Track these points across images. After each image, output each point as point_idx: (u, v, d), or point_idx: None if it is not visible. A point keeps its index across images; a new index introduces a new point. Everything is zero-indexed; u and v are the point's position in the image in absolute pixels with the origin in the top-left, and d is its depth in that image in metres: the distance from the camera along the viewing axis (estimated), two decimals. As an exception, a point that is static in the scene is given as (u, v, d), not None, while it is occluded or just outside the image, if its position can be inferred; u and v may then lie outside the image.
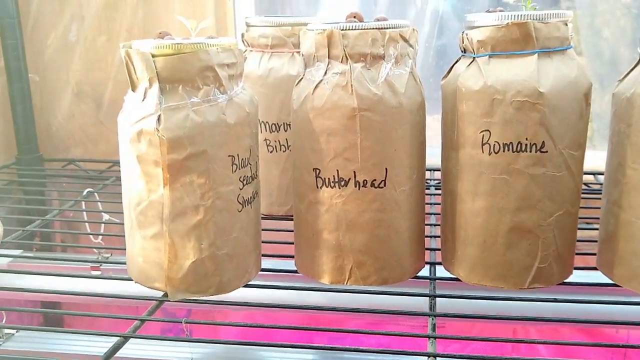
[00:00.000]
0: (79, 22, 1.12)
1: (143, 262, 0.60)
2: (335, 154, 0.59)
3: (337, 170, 0.60)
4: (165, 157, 0.56)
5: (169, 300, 0.60)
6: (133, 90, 0.58)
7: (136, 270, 0.61)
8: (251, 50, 0.80)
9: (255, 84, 0.78)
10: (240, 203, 0.60)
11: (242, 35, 0.81)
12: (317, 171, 0.61)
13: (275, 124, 0.79)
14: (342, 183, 0.60)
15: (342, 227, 0.61)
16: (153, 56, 0.56)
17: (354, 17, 0.64)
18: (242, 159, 0.60)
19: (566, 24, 0.58)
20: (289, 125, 0.78)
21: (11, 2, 1.06)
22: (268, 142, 0.80)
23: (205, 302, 0.61)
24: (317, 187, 0.61)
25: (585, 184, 0.93)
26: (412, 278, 0.65)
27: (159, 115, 0.56)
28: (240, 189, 0.60)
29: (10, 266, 0.88)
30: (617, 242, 0.61)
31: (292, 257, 0.68)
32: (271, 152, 0.80)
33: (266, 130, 0.79)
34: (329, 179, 0.60)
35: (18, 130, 1.12)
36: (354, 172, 0.59)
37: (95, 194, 0.95)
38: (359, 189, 0.60)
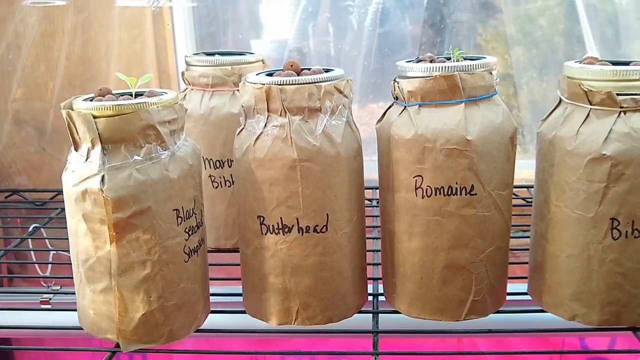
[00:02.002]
0: (15, 52, 1.10)
1: (94, 315, 0.62)
2: (278, 202, 0.62)
3: (281, 217, 0.62)
4: (110, 216, 0.57)
5: (121, 351, 0.62)
6: (76, 149, 0.59)
7: (88, 321, 0.63)
8: (192, 89, 0.81)
9: (198, 123, 0.80)
10: (186, 253, 0.62)
11: (183, 74, 0.82)
12: (262, 218, 0.63)
13: (219, 161, 0.81)
14: (286, 229, 0.62)
15: (287, 271, 0.63)
16: (94, 117, 0.57)
17: (291, 65, 0.66)
18: (187, 210, 0.62)
19: (491, 72, 0.62)
20: (232, 161, 0.80)
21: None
22: (213, 178, 0.81)
23: (157, 351, 0.63)
24: (262, 234, 0.63)
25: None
26: (356, 313, 0.68)
27: (103, 176, 0.57)
28: (186, 240, 0.62)
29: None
30: (544, 272, 0.65)
31: (240, 294, 0.70)
32: (216, 187, 0.82)
33: (210, 167, 0.81)
34: (273, 225, 0.62)
35: (-44, 163, 1.10)
36: (297, 219, 0.62)
37: (42, 229, 0.95)
38: (302, 234, 0.62)
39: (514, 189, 0.68)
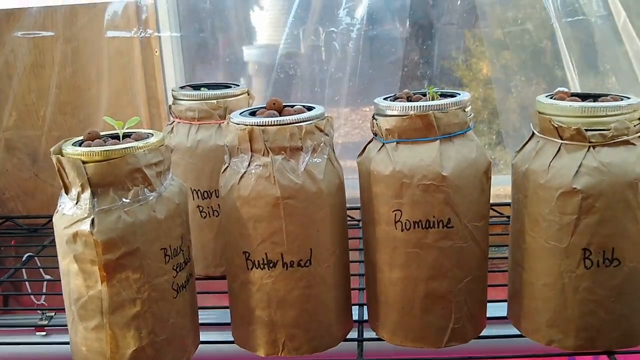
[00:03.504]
0: (6, 81, 1.12)
1: (87, 351, 0.64)
2: (263, 239, 0.64)
3: (266, 253, 0.64)
4: (100, 258, 0.59)
5: (113, 386, 0.63)
6: (66, 192, 0.61)
7: (80, 357, 0.65)
8: (179, 122, 0.83)
9: (185, 155, 0.82)
10: (175, 290, 0.64)
11: (170, 107, 0.84)
12: (247, 254, 0.65)
13: (206, 191, 0.83)
14: (271, 265, 0.64)
15: (273, 305, 0.65)
16: (83, 162, 0.59)
17: (274, 103, 0.68)
18: (175, 248, 0.64)
19: (464, 110, 0.64)
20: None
21: None
22: (201, 208, 0.83)
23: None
24: (248, 269, 0.65)
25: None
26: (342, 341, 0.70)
27: (93, 219, 0.59)
28: (174, 277, 0.64)
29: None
30: (522, 298, 0.68)
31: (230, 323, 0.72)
32: (204, 217, 0.84)
33: (198, 198, 0.83)
34: (258, 261, 0.65)
35: (-50, 192, 1.12)
36: (281, 254, 0.64)
37: (36, 258, 0.97)
38: (286, 269, 0.64)
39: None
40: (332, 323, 0.68)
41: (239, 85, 0.86)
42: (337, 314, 0.68)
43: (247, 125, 0.63)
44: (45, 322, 0.93)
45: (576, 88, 1.08)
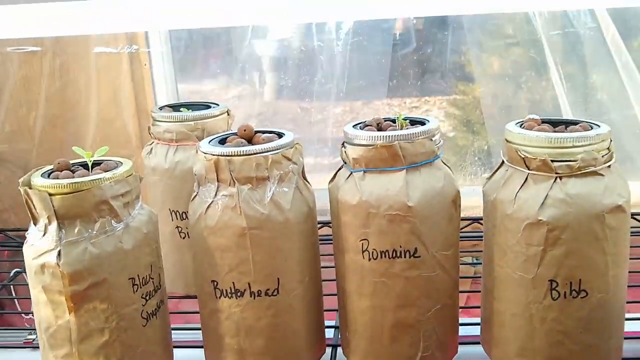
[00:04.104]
0: (-4, 95, 1.13)
1: (57, 378, 0.65)
2: (230, 269, 0.64)
3: (233, 282, 0.65)
4: (67, 289, 0.60)
5: (83, 414, 0.64)
6: (34, 224, 0.62)
7: (52, 384, 0.66)
8: (158, 143, 0.83)
9: (164, 177, 0.82)
10: (144, 318, 0.65)
11: (149, 129, 0.85)
12: (215, 283, 0.65)
13: (185, 212, 0.83)
14: (238, 294, 0.65)
15: (241, 333, 0.66)
16: (50, 195, 0.60)
17: (245, 130, 0.68)
18: (143, 277, 0.64)
19: (431, 139, 0.64)
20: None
21: None
22: (180, 229, 0.84)
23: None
24: (216, 297, 0.66)
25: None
26: (314, 365, 0.70)
27: (59, 251, 0.60)
28: (144, 305, 0.64)
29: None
30: (492, 326, 0.67)
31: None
32: (183, 238, 0.84)
33: (177, 219, 0.83)
34: (226, 290, 0.65)
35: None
36: (249, 283, 0.64)
37: (24, 273, 0.98)
38: (254, 298, 0.65)
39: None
40: (301, 350, 0.68)
41: (218, 105, 0.86)
42: (307, 340, 0.69)
43: (213, 155, 0.63)
44: (33, 338, 0.94)
45: (565, 104, 1.07)
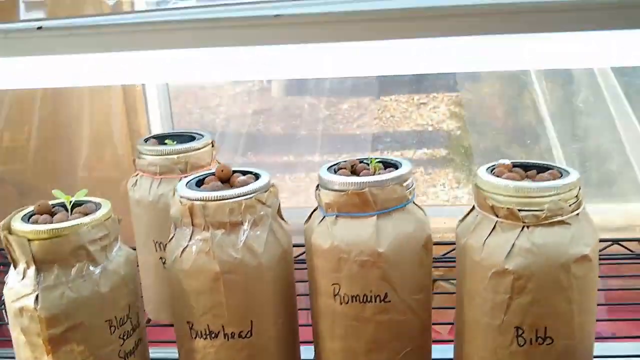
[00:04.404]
0: (-8, 118, 1.16)
1: (38, 415, 0.66)
2: (204, 311, 0.66)
3: (208, 324, 0.66)
4: (44, 333, 0.62)
5: None
6: (14, 267, 0.64)
7: (33, 419, 0.67)
8: (142, 175, 0.85)
9: (148, 209, 0.84)
10: (122, 357, 0.66)
11: (134, 161, 0.86)
12: (191, 324, 0.67)
13: (169, 244, 0.85)
14: (213, 335, 0.66)
15: (216, 372, 0.67)
16: (29, 240, 0.61)
17: (222, 171, 0.70)
18: (121, 318, 0.66)
19: (402, 184, 0.65)
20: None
21: None
22: (163, 260, 0.85)
23: None
24: (192, 338, 0.67)
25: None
26: (290, 401, 0.72)
27: (37, 295, 0.61)
28: (121, 345, 0.66)
29: None
30: (463, 366, 0.69)
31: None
32: (168, 268, 0.86)
33: (161, 250, 0.85)
34: (201, 331, 0.67)
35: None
36: (223, 325, 0.66)
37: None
38: (227, 340, 0.66)
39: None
40: (276, 388, 0.70)
41: (203, 136, 0.88)
42: (282, 378, 0.70)
43: (188, 200, 0.65)
44: None
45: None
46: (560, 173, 0.64)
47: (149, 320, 0.91)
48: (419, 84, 1.34)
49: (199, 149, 0.85)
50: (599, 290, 1.06)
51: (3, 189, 1.19)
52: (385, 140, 1.41)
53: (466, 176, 1.37)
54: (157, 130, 1.23)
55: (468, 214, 0.68)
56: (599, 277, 1.07)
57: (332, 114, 1.38)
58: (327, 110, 1.37)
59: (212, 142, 0.88)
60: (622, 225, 1.18)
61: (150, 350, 0.74)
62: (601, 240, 1.08)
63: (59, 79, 0.77)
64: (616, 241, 1.07)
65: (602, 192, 1.22)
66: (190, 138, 0.88)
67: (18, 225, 0.63)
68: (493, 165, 0.67)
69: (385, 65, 0.65)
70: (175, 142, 0.86)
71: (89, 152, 1.16)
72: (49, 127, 1.16)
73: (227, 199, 0.64)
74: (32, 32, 0.58)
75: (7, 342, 0.77)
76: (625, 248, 1.07)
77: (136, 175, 0.87)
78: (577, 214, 0.62)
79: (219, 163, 0.89)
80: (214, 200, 0.64)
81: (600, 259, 1.10)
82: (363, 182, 0.64)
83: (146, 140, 0.88)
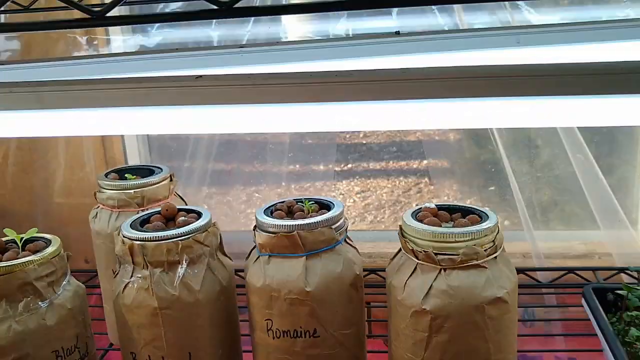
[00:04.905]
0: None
1: None
2: (145, 343, 0.70)
3: (149, 355, 0.70)
4: (-8, 363, 0.66)
5: None
6: (-35, 301, 0.68)
7: None
8: (102, 208, 0.89)
9: (106, 240, 0.88)
10: (69, 386, 0.70)
11: (95, 194, 0.90)
12: (134, 355, 0.71)
13: (128, 273, 0.89)
14: (154, 366, 0.70)
15: (158, 402, 0.71)
16: (-23, 277, 0.66)
17: (167, 209, 0.74)
18: (68, 348, 0.70)
19: (331, 227, 0.69)
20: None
21: None
22: (122, 288, 0.89)
23: None
24: (135, 368, 0.71)
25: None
26: None
27: (-15, 328, 0.66)
28: (68, 375, 0.70)
29: None
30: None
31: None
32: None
33: (120, 279, 0.89)
34: (142, 362, 0.71)
35: None
36: (162, 357, 0.70)
37: None
38: (167, 370, 0.70)
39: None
40: (217, 416, 0.74)
41: (162, 170, 0.92)
42: (222, 407, 0.74)
43: (129, 240, 0.69)
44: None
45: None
46: (480, 217, 0.68)
47: (110, 345, 0.96)
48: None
49: (155, 183, 0.89)
50: (559, 320, 1.09)
51: (-18, 213, 1.24)
52: (391, 150, 1.40)
53: (469, 189, 1.38)
54: (134, 158, 1.27)
55: (395, 255, 0.71)
56: (558, 305, 1.12)
57: None
58: None
59: (170, 176, 0.92)
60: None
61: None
62: (557, 269, 1.13)
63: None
64: (571, 270, 1.11)
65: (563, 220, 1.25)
66: (150, 172, 0.92)
67: (-30, 262, 0.67)
68: (420, 209, 0.71)
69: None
70: (135, 176, 0.90)
71: (63, 179, 1.20)
72: (27, 154, 1.20)
73: (165, 239, 0.68)
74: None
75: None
76: (581, 277, 1.10)
77: (97, 207, 0.91)
78: (495, 258, 0.66)
79: (177, 195, 0.94)
80: (153, 241, 0.68)
81: (557, 287, 1.14)
82: (293, 225, 0.67)
83: (107, 174, 0.92)
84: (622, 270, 1.08)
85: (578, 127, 1.08)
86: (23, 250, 0.71)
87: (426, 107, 0.57)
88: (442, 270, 0.65)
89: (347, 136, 1.40)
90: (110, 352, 0.94)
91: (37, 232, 0.73)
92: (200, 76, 0.56)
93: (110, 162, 1.23)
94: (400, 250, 0.70)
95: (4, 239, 0.72)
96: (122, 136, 1.24)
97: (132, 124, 0.66)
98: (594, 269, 1.10)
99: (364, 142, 1.45)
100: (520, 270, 1.12)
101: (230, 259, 0.76)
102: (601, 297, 0.85)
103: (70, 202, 1.19)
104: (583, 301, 0.86)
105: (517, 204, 1.16)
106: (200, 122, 0.60)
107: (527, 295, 1.14)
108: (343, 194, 1.41)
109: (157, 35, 1.12)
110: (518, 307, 0.69)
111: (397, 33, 0.81)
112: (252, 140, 1.30)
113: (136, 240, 0.68)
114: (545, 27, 0.80)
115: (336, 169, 1.36)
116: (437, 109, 0.58)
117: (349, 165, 1.38)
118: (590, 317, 0.83)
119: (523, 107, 0.58)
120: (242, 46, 0.80)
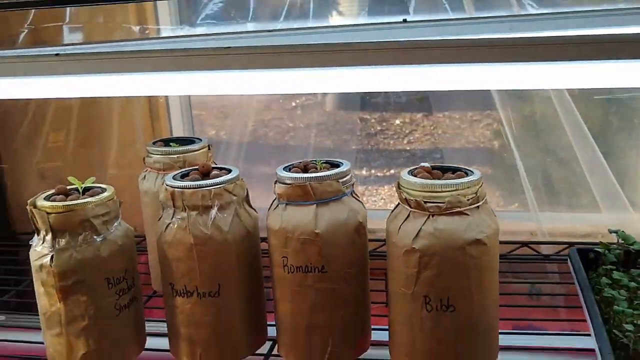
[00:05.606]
0: (40, 121, 1.37)
1: (52, 351, 0.85)
2: (182, 274, 0.83)
3: (185, 285, 0.83)
4: (57, 284, 0.81)
5: (69, 380, 0.84)
6: (37, 234, 0.83)
7: (49, 355, 0.86)
8: (149, 171, 1.04)
9: (153, 198, 1.02)
10: (117, 309, 0.84)
11: (144, 159, 1.05)
12: (172, 285, 0.85)
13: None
14: (189, 294, 0.84)
15: (192, 325, 0.85)
16: (47, 214, 0.80)
17: (203, 166, 0.88)
18: (117, 278, 0.84)
19: (339, 180, 0.81)
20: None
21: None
22: (165, 241, 1.03)
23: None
24: (173, 296, 0.85)
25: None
26: (253, 354, 0.89)
27: (52, 255, 0.80)
28: (117, 300, 0.84)
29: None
30: (390, 332, 0.84)
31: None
32: (168, 248, 1.04)
33: (163, 232, 1.03)
34: (179, 290, 0.84)
35: (-6, 211, 1.38)
36: (196, 286, 0.83)
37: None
38: (200, 298, 0.83)
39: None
40: (240, 341, 0.86)
41: (202, 141, 1.06)
42: (245, 333, 0.87)
43: (172, 187, 0.83)
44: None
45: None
46: (467, 174, 0.79)
47: (154, 292, 1.10)
48: (473, 102, 1.35)
49: (195, 150, 1.03)
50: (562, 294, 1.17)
51: (45, 183, 1.40)
52: (435, 157, 1.44)
53: (509, 194, 1.40)
54: (179, 134, 1.42)
55: (394, 208, 0.83)
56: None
57: (384, 129, 1.42)
58: (379, 126, 1.41)
59: (208, 146, 1.06)
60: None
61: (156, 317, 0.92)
62: (560, 243, 1.22)
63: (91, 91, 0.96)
64: (572, 245, 1.20)
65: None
66: (191, 142, 1.06)
67: (40, 202, 0.82)
68: (416, 168, 0.83)
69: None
70: (177, 145, 1.04)
71: (117, 153, 1.36)
72: (85, 131, 1.36)
73: (200, 187, 0.82)
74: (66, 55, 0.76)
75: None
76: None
77: (145, 170, 1.05)
78: (477, 207, 0.77)
79: (213, 162, 1.07)
80: (190, 189, 0.82)
81: (559, 261, 1.22)
82: (306, 177, 0.80)
83: (154, 142, 1.07)
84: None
85: (581, 114, 1.18)
86: (83, 195, 0.85)
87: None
88: (431, 216, 0.76)
89: (391, 142, 1.45)
90: (153, 298, 1.09)
91: (93, 182, 0.87)
92: (229, 47, 0.70)
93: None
94: (398, 204, 0.82)
95: (68, 186, 0.87)
96: (169, 115, 1.39)
97: (178, 85, 0.79)
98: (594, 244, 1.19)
99: (408, 148, 1.51)
100: (524, 244, 1.22)
101: (256, 211, 0.89)
102: (584, 257, 0.95)
103: (122, 174, 1.34)
104: (569, 262, 0.96)
105: (524, 187, 1.25)
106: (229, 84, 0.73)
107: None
108: (384, 199, 1.47)
109: (201, 26, 1.26)
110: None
111: (405, 21, 0.93)
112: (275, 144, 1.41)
113: (177, 188, 0.82)
114: (536, 16, 0.91)
115: (378, 174, 1.44)
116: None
117: (392, 171, 1.45)
118: (573, 275, 0.93)
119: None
120: (271, 31, 0.94)
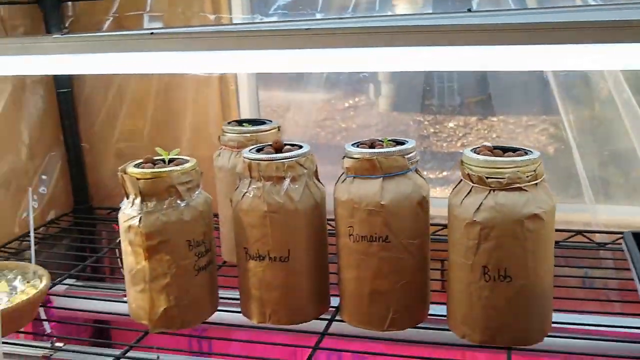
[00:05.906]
0: (118, 107, 1.47)
1: (135, 307, 0.93)
2: (255, 240, 0.90)
3: (258, 249, 0.90)
4: (144, 244, 0.89)
5: (149, 333, 0.92)
6: (127, 197, 0.91)
7: (132, 310, 0.94)
8: (224, 149, 1.11)
9: (227, 173, 1.10)
10: (196, 270, 0.92)
11: (219, 138, 1.13)
12: (246, 249, 0.92)
13: (241, 201, 1.10)
14: (261, 258, 0.90)
15: (263, 287, 0.92)
16: (137, 179, 0.89)
17: (276, 142, 0.95)
18: (197, 241, 0.92)
19: (404, 156, 0.87)
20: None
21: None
22: (236, 214, 1.11)
23: (174, 334, 0.93)
24: (246, 260, 0.92)
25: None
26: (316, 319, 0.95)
27: (140, 217, 0.88)
28: (196, 261, 0.92)
29: (66, 292, 1.24)
30: (449, 301, 0.89)
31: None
32: (239, 221, 1.11)
33: (234, 206, 1.10)
34: (253, 254, 0.91)
35: (74, 186, 1.49)
36: (268, 251, 0.90)
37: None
38: (272, 262, 0.90)
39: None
40: (306, 304, 0.93)
41: (272, 122, 1.13)
42: (310, 297, 0.93)
43: (249, 159, 0.90)
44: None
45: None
46: (526, 153, 0.84)
47: (224, 262, 1.17)
48: (528, 105, 1.34)
49: (267, 130, 1.11)
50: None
51: (121, 161, 1.48)
52: None
53: (562, 198, 1.36)
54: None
55: (457, 184, 0.88)
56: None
57: (437, 131, 1.43)
58: (432, 128, 1.42)
59: (278, 127, 1.13)
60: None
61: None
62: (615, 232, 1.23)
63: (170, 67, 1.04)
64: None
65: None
66: (262, 123, 1.14)
67: (131, 169, 0.90)
68: (478, 147, 0.87)
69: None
70: (250, 125, 1.12)
71: (190, 136, 1.44)
72: (160, 115, 1.45)
73: (275, 160, 0.89)
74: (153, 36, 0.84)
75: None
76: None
77: (220, 148, 1.13)
78: (535, 184, 0.81)
79: (283, 142, 1.14)
80: (266, 161, 0.89)
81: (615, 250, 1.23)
82: (373, 152, 0.86)
83: (229, 123, 1.14)
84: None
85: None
86: (168, 164, 0.93)
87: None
88: (491, 191, 0.81)
89: (444, 145, 1.46)
90: (223, 268, 1.16)
91: (178, 153, 0.95)
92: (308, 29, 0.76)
93: (227, 124, 1.45)
94: (461, 180, 0.87)
95: (155, 157, 0.95)
96: (238, 103, 1.46)
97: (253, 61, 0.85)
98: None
99: (461, 151, 1.53)
100: (578, 232, 1.24)
101: (323, 185, 0.95)
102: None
103: (195, 154, 1.42)
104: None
105: (581, 179, 1.27)
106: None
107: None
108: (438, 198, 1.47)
109: (273, 16, 1.34)
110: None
111: (469, 10, 0.98)
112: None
113: (254, 160, 0.89)
114: (600, 6, 0.95)
115: (431, 176, 1.47)
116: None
117: (445, 173, 1.48)
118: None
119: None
120: (341, 18, 1.00)
